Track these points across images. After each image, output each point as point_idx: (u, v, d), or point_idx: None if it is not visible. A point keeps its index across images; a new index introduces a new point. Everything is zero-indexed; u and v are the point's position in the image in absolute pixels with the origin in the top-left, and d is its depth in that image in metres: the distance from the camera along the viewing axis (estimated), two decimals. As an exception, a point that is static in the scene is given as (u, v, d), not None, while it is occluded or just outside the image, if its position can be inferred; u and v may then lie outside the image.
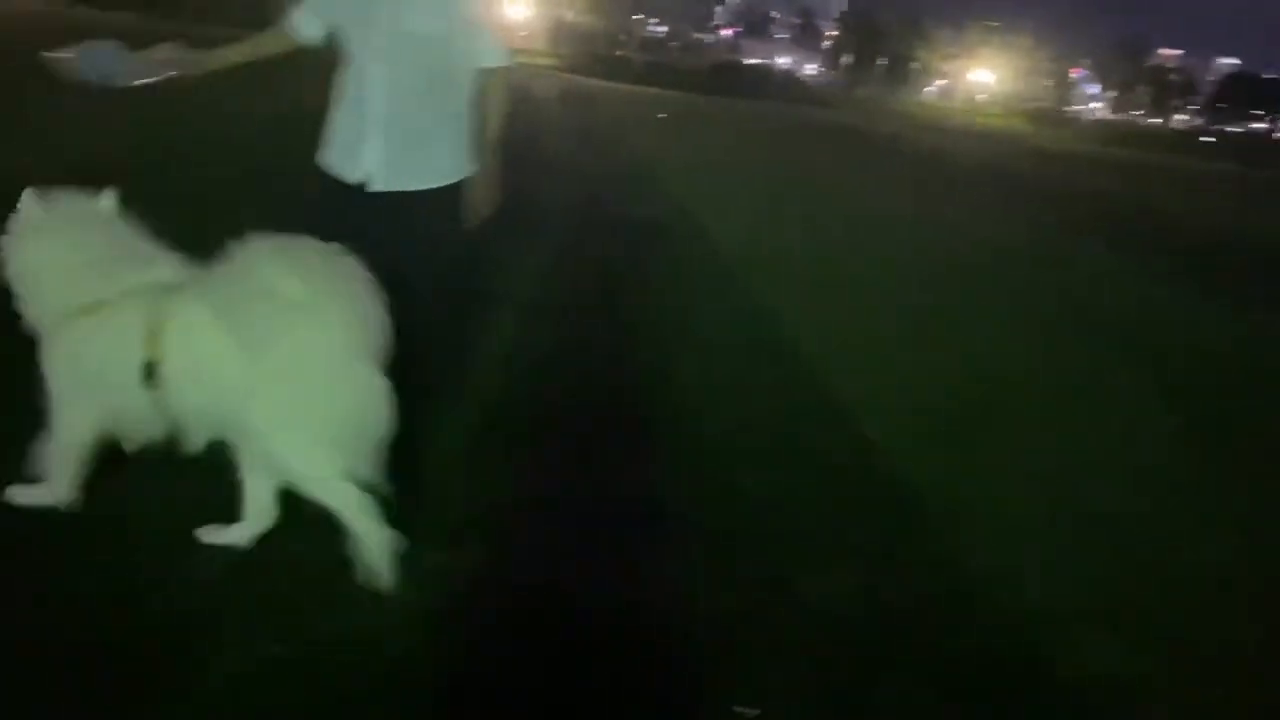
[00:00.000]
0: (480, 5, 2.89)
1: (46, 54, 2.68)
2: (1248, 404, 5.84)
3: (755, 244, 8.61)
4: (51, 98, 5.26)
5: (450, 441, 3.36)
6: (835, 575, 2.97)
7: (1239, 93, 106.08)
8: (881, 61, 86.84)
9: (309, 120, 3.14)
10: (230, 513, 2.55)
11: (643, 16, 75.48)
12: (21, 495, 2.53)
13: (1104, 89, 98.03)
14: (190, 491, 2.62)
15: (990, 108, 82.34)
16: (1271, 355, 7.42)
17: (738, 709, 2.28)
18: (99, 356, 2.40)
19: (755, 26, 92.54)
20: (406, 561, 2.45)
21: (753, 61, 75.75)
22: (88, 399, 2.46)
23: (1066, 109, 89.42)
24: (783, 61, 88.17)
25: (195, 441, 2.45)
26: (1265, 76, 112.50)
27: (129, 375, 2.34)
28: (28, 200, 2.46)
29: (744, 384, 4.72)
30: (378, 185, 2.86)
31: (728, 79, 55.87)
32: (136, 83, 2.75)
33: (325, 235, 2.42)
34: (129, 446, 2.53)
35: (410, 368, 3.04)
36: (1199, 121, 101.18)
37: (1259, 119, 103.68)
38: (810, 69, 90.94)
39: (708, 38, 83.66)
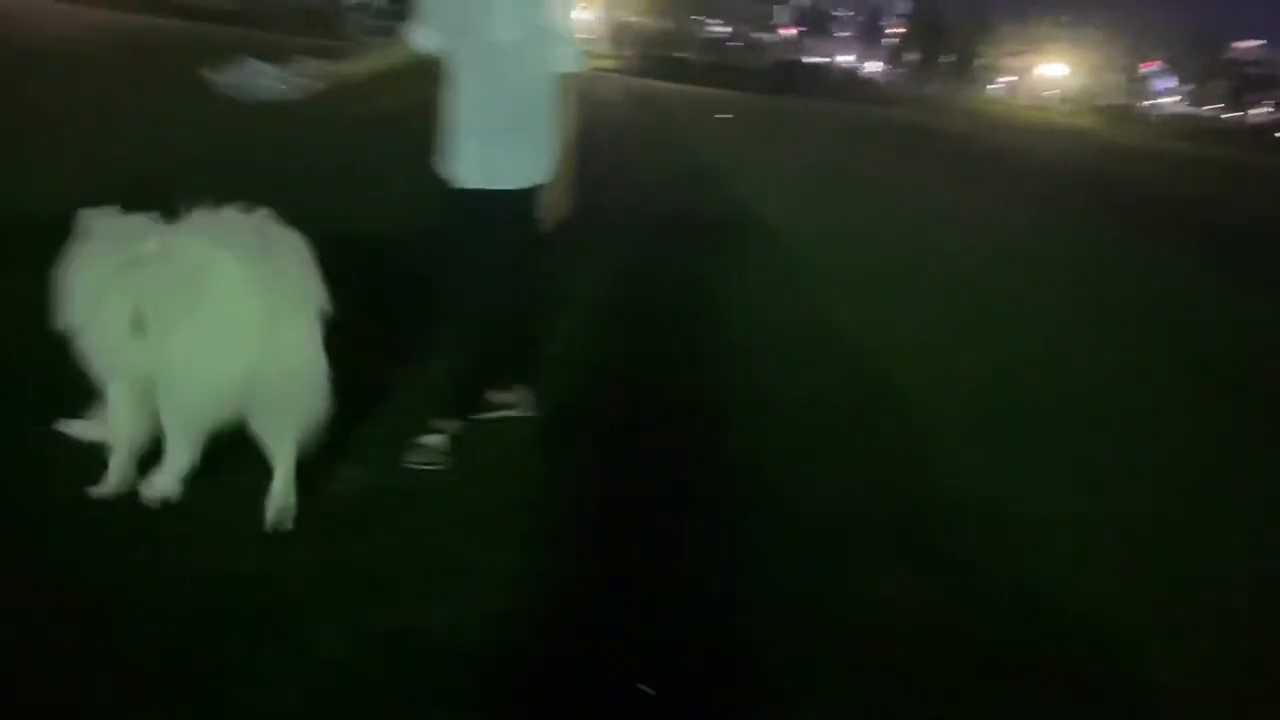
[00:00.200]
0: (559, 12, 3.04)
1: (206, 73, 2.88)
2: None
3: (823, 245, 8.65)
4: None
5: (521, 444, 3.47)
6: (892, 574, 3.00)
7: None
8: (947, 58, 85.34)
9: (410, 122, 3.25)
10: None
11: (703, 17, 75.24)
12: (72, 427, 2.72)
13: (1179, 83, 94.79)
14: (243, 485, 2.71)
15: (1060, 104, 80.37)
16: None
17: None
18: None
19: (817, 24, 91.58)
20: (480, 564, 2.60)
21: (814, 60, 75.01)
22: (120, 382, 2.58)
23: (1139, 104, 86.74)
24: (844, 60, 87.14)
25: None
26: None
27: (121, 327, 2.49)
28: (83, 221, 2.56)
29: (807, 382, 4.79)
30: (472, 184, 3.10)
31: (790, 78, 55.31)
32: (290, 97, 2.96)
33: (434, 232, 2.63)
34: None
35: (487, 367, 3.27)
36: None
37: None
38: (872, 67, 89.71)
39: (768, 36, 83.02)
